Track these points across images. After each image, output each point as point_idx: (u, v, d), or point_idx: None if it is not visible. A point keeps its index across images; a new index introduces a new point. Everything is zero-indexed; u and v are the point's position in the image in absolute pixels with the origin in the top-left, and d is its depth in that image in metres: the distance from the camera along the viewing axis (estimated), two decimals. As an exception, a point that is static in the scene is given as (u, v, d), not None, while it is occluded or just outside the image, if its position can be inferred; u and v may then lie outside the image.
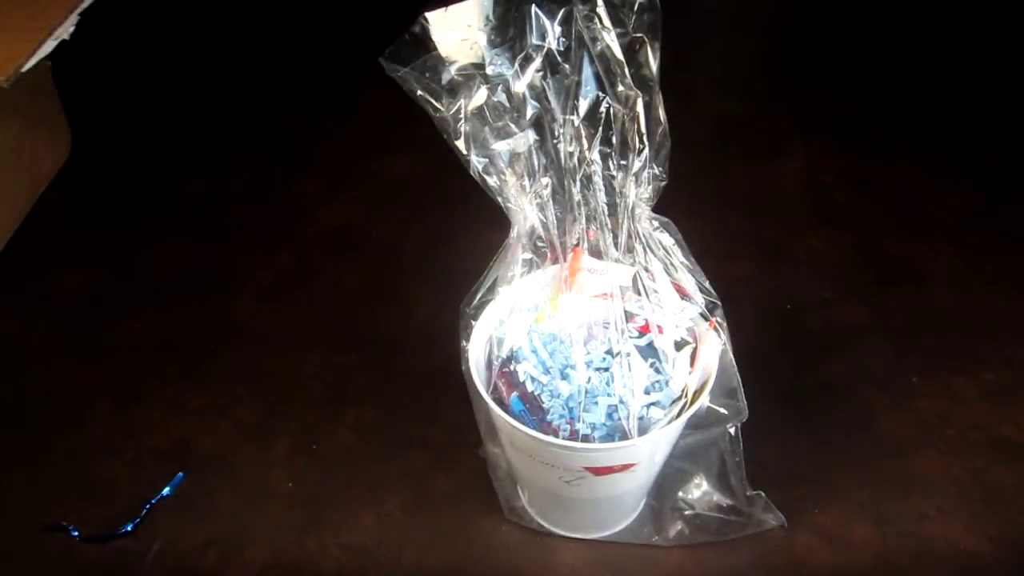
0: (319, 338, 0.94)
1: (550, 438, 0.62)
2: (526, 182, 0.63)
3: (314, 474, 0.82)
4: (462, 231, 1.02)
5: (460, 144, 0.60)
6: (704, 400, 0.64)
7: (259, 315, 0.97)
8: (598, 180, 0.62)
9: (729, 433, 0.69)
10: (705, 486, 0.76)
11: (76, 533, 0.77)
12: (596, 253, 0.66)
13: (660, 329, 0.65)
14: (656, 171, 0.62)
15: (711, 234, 1.01)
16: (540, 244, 0.66)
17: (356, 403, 0.88)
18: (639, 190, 0.62)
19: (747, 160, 1.15)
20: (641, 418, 0.63)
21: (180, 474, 0.81)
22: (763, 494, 0.75)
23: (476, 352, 0.67)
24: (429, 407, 0.86)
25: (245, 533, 0.77)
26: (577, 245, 0.66)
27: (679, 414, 0.63)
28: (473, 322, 0.67)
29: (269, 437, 0.85)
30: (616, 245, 0.65)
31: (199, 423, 0.86)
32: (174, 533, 0.78)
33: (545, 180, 0.63)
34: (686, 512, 0.76)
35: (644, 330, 0.66)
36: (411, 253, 1.04)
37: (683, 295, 0.66)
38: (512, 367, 0.66)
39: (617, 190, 0.63)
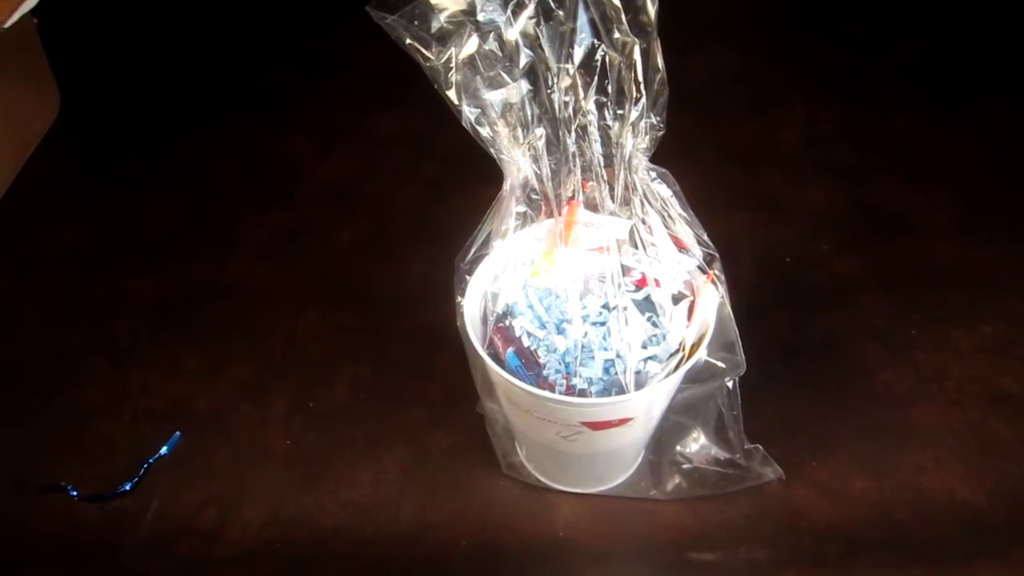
0: (314, 296, 0.93)
1: (546, 393, 0.61)
2: (519, 133, 0.61)
3: (311, 433, 0.81)
4: (457, 186, 1.00)
5: (451, 94, 0.59)
6: (702, 354, 0.64)
7: (253, 274, 0.96)
8: (594, 130, 0.61)
9: (727, 387, 0.68)
10: (703, 440, 0.76)
11: (75, 493, 0.77)
12: (592, 206, 0.65)
13: (657, 283, 0.64)
14: (654, 120, 0.61)
15: (709, 186, 0.97)
16: (534, 197, 0.65)
17: (352, 361, 0.87)
18: (636, 140, 0.61)
19: (746, 111, 1.14)
20: (638, 372, 0.62)
21: (177, 433, 0.81)
22: (761, 448, 0.74)
23: (471, 308, 0.66)
24: (426, 364, 0.85)
25: (243, 492, 0.77)
26: (572, 198, 0.65)
27: (676, 368, 0.63)
28: (468, 277, 0.66)
29: (265, 396, 0.84)
30: (612, 197, 0.64)
31: (195, 383, 0.86)
32: (172, 492, 0.78)
33: (539, 131, 0.62)
34: (684, 466, 0.76)
35: (641, 284, 0.65)
36: (406, 209, 1.03)
37: (681, 248, 0.65)
38: (508, 322, 0.66)
39: (613, 140, 0.61)
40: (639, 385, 0.62)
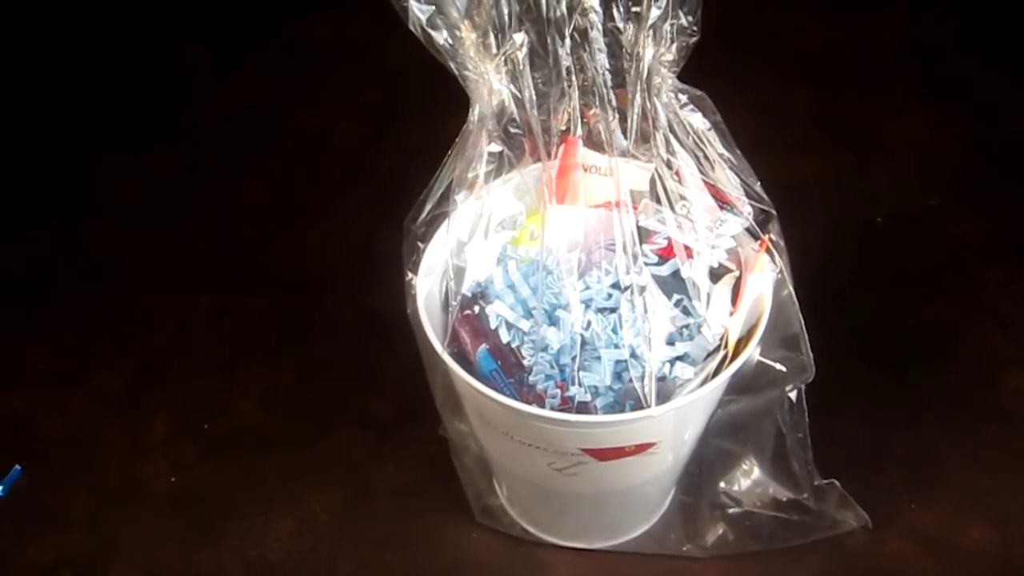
0: (211, 274, 0.94)
1: (533, 409, 0.61)
2: (491, 40, 0.61)
3: (206, 465, 0.82)
4: (413, 118, 1.01)
5: None
6: (752, 352, 0.64)
7: (125, 242, 0.96)
8: (597, 35, 0.60)
9: (789, 399, 0.68)
10: (757, 473, 0.76)
11: None
12: (596, 144, 0.65)
13: (689, 252, 0.64)
14: (684, 21, 0.60)
15: (767, 116, 1.00)
16: (514, 131, 0.65)
17: (265, 365, 0.87)
18: (659, 50, 0.60)
19: (822, 9, 1.14)
20: (663, 378, 0.62)
21: (17, 467, 0.81)
22: (838, 484, 0.75)
23: (427, 288, 0.66)
24: (368, 369, 0.86)
25: (111, 547, 0.77)
26: (569, 132, 0.64)
27: (717, 372, 0.62)
28: (421, 245, 0.66)
29: (141, 414, 0.85)
30: (625, 132, 0.63)
31: (42, 396, 0.86)
32: (10, 549, 0.78)
33: (519, 36, 0.61)
34: (730, 510, 0.76)
35: (666, 253, 0.64)
36: (340, 150, 1.03)
37: (723, 202, 0.64)
38: (478, 309, 0.65)
39: (626, 50, 0.61)
40: (664, 396, 0.61)
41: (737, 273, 0.65)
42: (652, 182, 0.64)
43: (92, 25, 1.17)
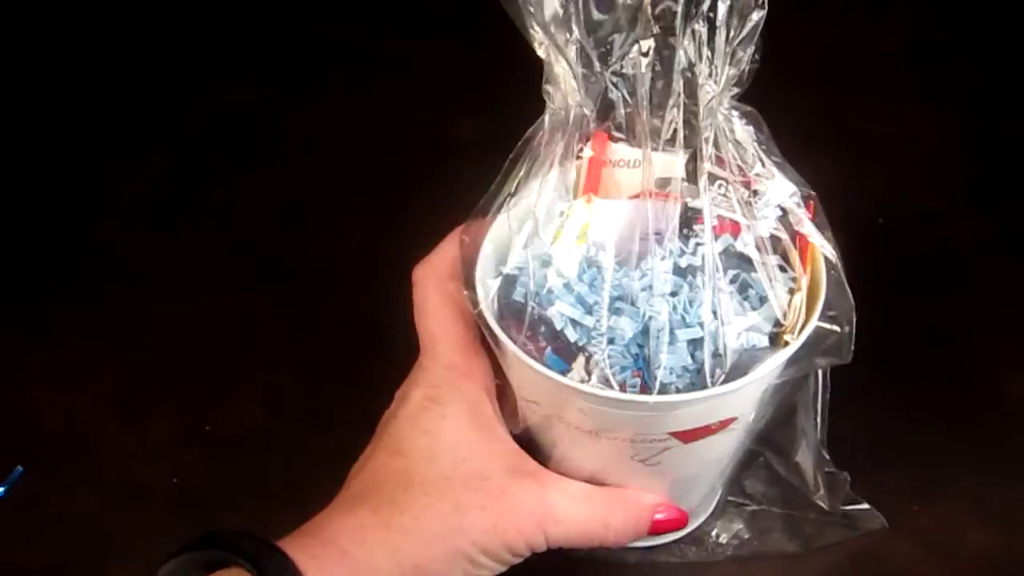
0: (211, 274, 0.94)
1: (643, 397, 0.61)
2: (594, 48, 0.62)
3: (208, 465, 0.82)
4: (413, 118, 1.01)
5: None
6: (816, 320, 0.64)
7: (127, 242, 0.97)
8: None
9: (815, 377, 0.69)
10: (771, 472, 0.77)
11: None
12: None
13: (737, 227, 0.66)
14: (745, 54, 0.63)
15: (767, 116, 0.99)
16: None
17: (265, 366, 0.87)
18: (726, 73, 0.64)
19: (823, 9, 1.16)
20: (736, 352, 0.63)
21: (19, 468, 0.81)
22: (848, 479, 0.75)
23: (488, 293, 0.66)
24: (370, 369, 0.84)
25: (113, 548, 0.77)
26: (601, 129, 0.66)
27: (791, 340, 0.63)
28: (474, 252, 0.67)
29: (143, 414, 0.84)
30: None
31: (43, 396, 0.85)
32: (12, 548, 0.77)
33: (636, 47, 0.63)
34: (747, 508, 0.77)
35: (717, 231, 0.66)
36: (340, 150, 1.04)
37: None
38: (536, 313, 0.65)
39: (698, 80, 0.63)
40: (740, 368, 0.62)
41: (788, 241, 0.67)
42: (688, 168, 0.66)
43: (92, 25, 1.17)
